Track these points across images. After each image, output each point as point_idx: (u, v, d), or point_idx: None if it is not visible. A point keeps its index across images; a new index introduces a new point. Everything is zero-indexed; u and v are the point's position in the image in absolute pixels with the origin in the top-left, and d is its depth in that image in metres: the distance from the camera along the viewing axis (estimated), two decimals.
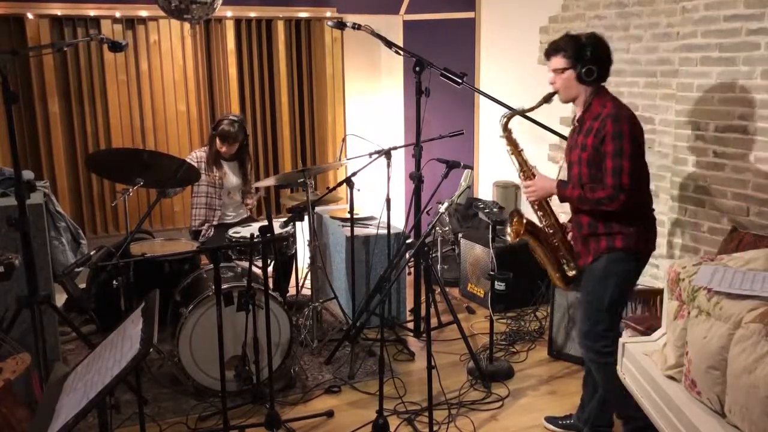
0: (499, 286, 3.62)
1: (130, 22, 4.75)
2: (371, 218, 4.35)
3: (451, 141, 3.77)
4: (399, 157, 5.31)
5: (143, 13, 4.74)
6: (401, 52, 3.68)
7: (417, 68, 3.50)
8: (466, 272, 4.70)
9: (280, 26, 5.14)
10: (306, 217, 3.78)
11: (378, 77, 5.61)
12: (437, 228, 4.77)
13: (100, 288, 3.93)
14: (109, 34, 4.61)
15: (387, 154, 3.78)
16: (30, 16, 4.47)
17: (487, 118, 5.38)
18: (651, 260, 2.80)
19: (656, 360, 2.23)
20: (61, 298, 3.90)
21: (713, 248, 3.43)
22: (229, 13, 4.95)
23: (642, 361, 2.28)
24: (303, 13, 5.21)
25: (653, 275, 3.87)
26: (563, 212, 3.03)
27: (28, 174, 3.56)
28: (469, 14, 5.44)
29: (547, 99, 2.78)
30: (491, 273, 3.66)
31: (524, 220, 2.90)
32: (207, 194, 4.30)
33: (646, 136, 3.93)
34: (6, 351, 2.68)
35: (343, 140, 5.25)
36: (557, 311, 3.73)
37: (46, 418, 1.70)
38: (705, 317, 1.93)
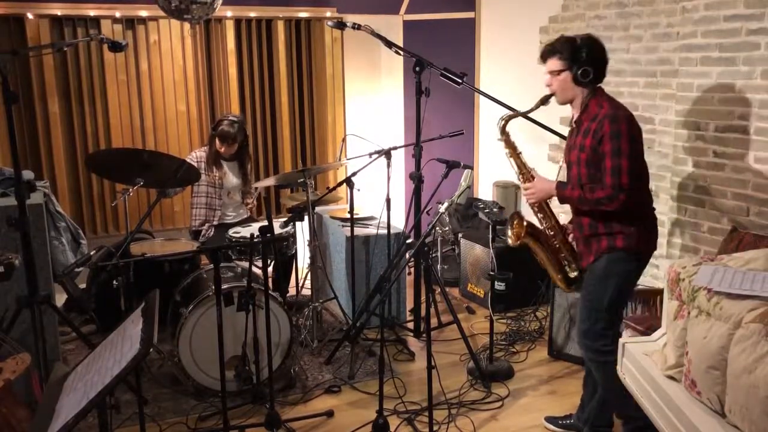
0: (499, 286, 3.62)
1: (130, 22, 4.75)
2: (371, 218, 4.35)
3: (451, 141, 3.77)
4: (399, 157, 5.31)
5: (143, 13, 4.74)
6: (401, 52, 3.68)
7: (417, 68, 3.50)
8: (466, 272, 4.70)
9: (280, 26, 5.14)
10: (306, 217, 3.78)
11: (378, 77, 5.61)
12: (437, 228, 4.77)
13: (100, 288, 3.93)
14: (109, 34, 4.61)
15: (387, 154, 3.78)
16: (30, 16, 4.47)
17: (487, 118, 5.38)
18: (651, 260, 2.80)
19: (656, 360, 2.23)
20: (61, 298, 3.90)
21: (713, 248, 3.43)
22: (229, 13, 4.95)
23: (642, 361, 2.28)
24: (303, 13, 5.21)
25: (653, 275, 3.87)
26: (563, 212, 3.03)
27: (28, 174, 3.56)
28: (469, 14, 5.44)
29: (544, 101, 2.79)
30: (491, 273, 3.66)
31: (525, 223, 2.90)
32: (207, 194, 4.30)
33: (646, 136, 3.94)
34: (6, 351, 2.68)
35: (343, 140, 5.25)
36: (557, 311, 3.73)
37: (46, 418, 1.70)
38: (705, 317, 1.93)
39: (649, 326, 3.15)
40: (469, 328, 4.20)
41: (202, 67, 5.01)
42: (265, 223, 2.99)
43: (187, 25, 4.77)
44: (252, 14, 5.05)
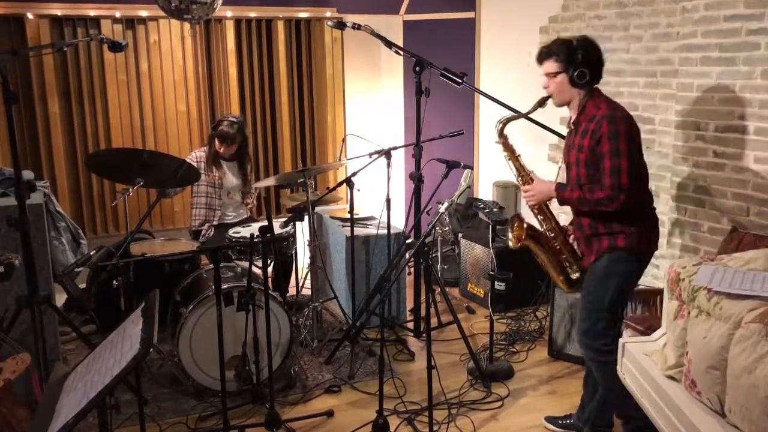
0: (499, 286, 3.62)
1: (130, 22, 4.75)
2: (371, 218, 4.35)
3: (451, 141, 3.77)
4: (399, 157, 5.31)
5: (143, 13, 4.74)
6: (401, 52, 3.68)
7: (417, 68, 3.50)
8: (466, 272, 4.70)
9: (280, 26, 5.14)
10: (306, 217, 3.78)
11: (378, 77, 5.61)
12: (437, 228, 4.77)
13: (100, 288, 3.93)
14: (109, 34, 4.61)
15: (387, 154, 3.78)
16: (30, 16, 4.47)
17: (487, 118, 5.38)
18: (651, 260, 2.79)
19: (656, 360, 2.23)
20: (61, 298, 3.90)
21: (713, 248, 3.43)
22: (229, 13, 4.95)
23: (642, 361, 2.28)
24: (303, 13, 5.21)
25: (653, 275, 3.87)
26: (563, 213, 3.03)
27: (28, 174, 3.56)
28: (469, 14, 5.44)
29: (542, 103, 2.81)
30: (491, 273, 3.66)
31: (525, 225, 2.90)
32: (207, 194, 4.30)
33: (646, 136, 3.95)
34: (6, 351, 2.68)
35: (343, 140, 5.25)
36: (557, 311, 3.73)
37: (46, 418, 1.70)
38: (705, 317, 1.93)
39: (649, 326, 3.15)
40: (469, 328, 4.20)
41: (202, 67, 5.01)
42: (265, 223, 2.99)
43: (187, 25, 4.77)
44: (252, 14, 5.05)
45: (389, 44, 3.62)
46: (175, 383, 3.39)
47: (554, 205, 2.89)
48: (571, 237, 2.93)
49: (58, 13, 4.54)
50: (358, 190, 3.84)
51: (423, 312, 3.45)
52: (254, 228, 3.51)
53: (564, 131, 3.20)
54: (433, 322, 3.90)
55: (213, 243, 4.15)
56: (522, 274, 3.87)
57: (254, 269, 2.92)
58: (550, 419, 3.12)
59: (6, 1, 4.44)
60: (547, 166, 4.65)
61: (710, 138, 3.45)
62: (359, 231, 4.09)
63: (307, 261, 4.12)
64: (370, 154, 3.82)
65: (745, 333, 1.76)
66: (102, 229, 4.95)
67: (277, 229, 3.86)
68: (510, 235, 2.99)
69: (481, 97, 4.29)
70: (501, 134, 2.92)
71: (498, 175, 5.19)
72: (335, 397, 3.38)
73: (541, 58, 2.73)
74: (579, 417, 3.02)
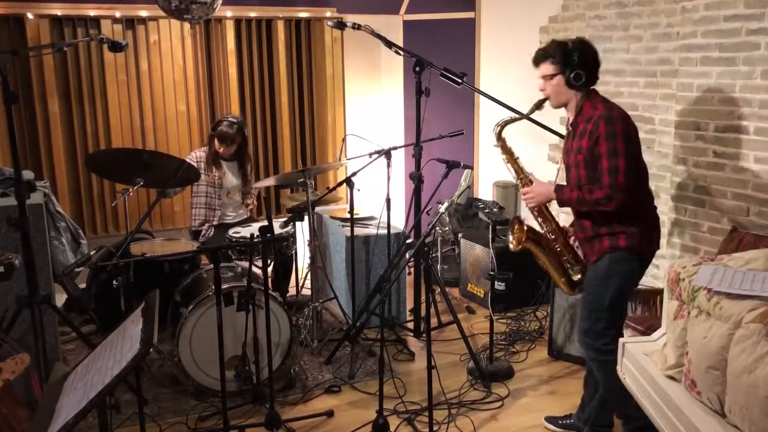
0: (499, 286, 3.62)
1: (130, 22, 4.75)
2: (371, 218, 4.35)
3: (451, 141, 3.77)
4: (399, 157, 5.31)
5: (143, 13, 4.74)
6: (401, 52, 3.68)
7: (417, 68, 3.50)
8: (466, 272, 4.70)
9: (280, 26, 5.14)
10: (306, 217, 3.78)
11: (378, 77, 5.61)
12: (437, 228, 4.77)
13: (100, 288, 3.93)
14: (109, 34, 4.61)
15: (387, 154, 3.78)
16: (30, 16, 4.47)
17: (487, 118, 5.38)
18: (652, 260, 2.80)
19: (656, 360, 2.22)
20: (61, 298, 3.90)
21: (713, 248, 3.43)
22: (229, 13, 4.95)
23: (642, 361, 2.28)
24: (303, 13, 5.21)
25: (653, 275, 3.87)
26: (563, 213, 3.03)
27: (28, 174, 3.56)
28: (469, 14, 5.44)
29: (539, 105, 2.83)
30: (491, 273, 3.66)
31: (525, 227, 2.91)
32: (207, 194, 4.30)
33: (646, 136, 3.96)
34: (6, 351, 2.68)
35: (343, 140, 5.25)
36: (557, 311, 3.73)
37: (46, 418, 1.70)
38: (705, 317, 1.93)
39: (649, 326, 3.15)
40: (469, 328, 4.20)
41: (202, 67, 5.01)
42: (265, 223, 2.99)
43: (187, 25, 4.77)
44: (252, 14, 5.05)
45: (389, 44, 3.62)
46: (175, 383, 3.39)
47: (554, 207, 2.90)
48: (572, 238, 2.93)
49: (58, 13, 4.54)
50: (358, 190, 3.84)
51: (423, 312, 3.45)
52: (254, 228, 3.51)
53: (563, 131, 3.20)
54: (433, 322, 3.90)
55: (213, 243, 4.15)
56: (522, 274, 3.87)
57: (254, 269, 2.92)
58: (550, 419, 3.12)
59: (6, 1, 4.44)
60: (547, 166, 4.65)
61: (710, 138, 3.45)
62: (359, 231, 4.09)
63: (307, 261, 4.12)
64: (370, 154, 3.82)
65: (745, 333, 1.76)
66: (102, 229, 4.95)
67: (277, 229, 3.86)
68: (510, 237, 3.00)
69: (481, 97, 4.29)
70: (499, 137, 2.93)
71: (498, 175, 5.19)
72: (335, 397, 3.38)
73: (537, 60, 2.75)
74: (579, 417, 3.02)
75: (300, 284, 4.26)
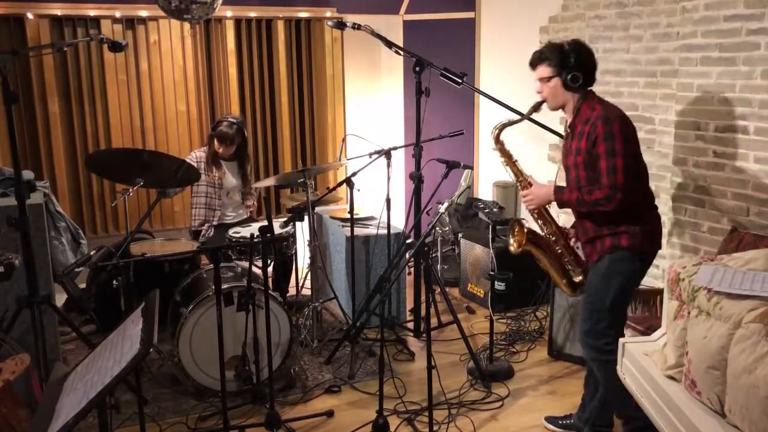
0: (499, 286, 3.62)
1: (130, 22, 4.75)
2: (371, 218, 4.35)
3: (451, 141, 3.77)
4: (399, 157, 5.31)
5: (143, 13, 4.74)
6: (401, 52, 3.68)
7: (417, 68, 3.50)
8: (466, 272, 4.70)
9: (280, 26, 5.14)
10: (306, 217, 3.78)
11: (378, 77, 5.61)
12: (437, 228, 4.77)
13: (100, 288, 3.93)
14: (109, 34, 4.61)
15: (387, 154, 3.78)
16: (30, 16, 4.47)
17: (487, 118, 5.37)
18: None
19: (656, 360, 2.23)
20: (61, 298, 3.90)
21: (713, 248, 3.43)
22: (229, 13, 4.95)
23: (642, 361, 2.28)
24: (303, 13, 5.21)
25: (653, 275, 3.87)
26: (563, 213, 3.03)
27: (28, 174, 3.56)
28: (469, 14, 5.44)
29: (536, 108, 2.84)
30: (491, 273, 3.66)
31: (525, 230, 2.91)
32: (206, 194, 4.30)
33: (646, 136, 3.96)
34: (6, 351, 2.68)
35: (343, 140, 5.25)
36: (557, 311, 3.73)
37: (46, 418, 1.70)
38: (705, 317, 1.93)
39: (649, 326, 3.15)
40: (469, 328, 4.20)
41: (202, 67, 5.01)
42: (265, 223, 2.99)
43: (187, 25, 4.77)
44: (252, 14, 5.05)
45: (389, 44, 3.62)
46: (175, 383, 3.39)
47: (554, 208, 2.90)
48: (572, 240, 2.93)
49: (58, 13, 4.54)
50: (358, 190, 3.84)
51: (423, 312, 3.45)
52: (254, 228, 3.51)
53: (563, 131, 3.21)
54: (433, 322, 3.90)
55: (213, 243, 4.15)
56: (522, 274, 3.87)
57: (254, 269, 2.92)
58: (550, 419, 3.12)
59: (6, 1, 4.44)
60: (547, 166, 4.65)
61: (710, 138, 3.45)
62: (359, 231, 4.09)
63: (307, 261, 4.12)
64: (370, 154, 3.82)
65: (745, 333, 1.76)
66: (102, 229, 4.95)
67: (277, 229, 3.86)
68: (511, 240, 3.00)
69: (481, 97, 4.29)
70: (497, 140, 2.95)
71: (498, 175, 5.18)
72: (335, 397, 3.38)
73: (534, 63, 2.76)
74: (579, 417, 3.02)
75: (300, 284, 4.26)
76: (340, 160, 4.79)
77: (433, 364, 2.85)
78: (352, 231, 3.93)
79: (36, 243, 2.92)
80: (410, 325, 4.07)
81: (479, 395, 3.38)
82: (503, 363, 3.66)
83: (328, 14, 5.25)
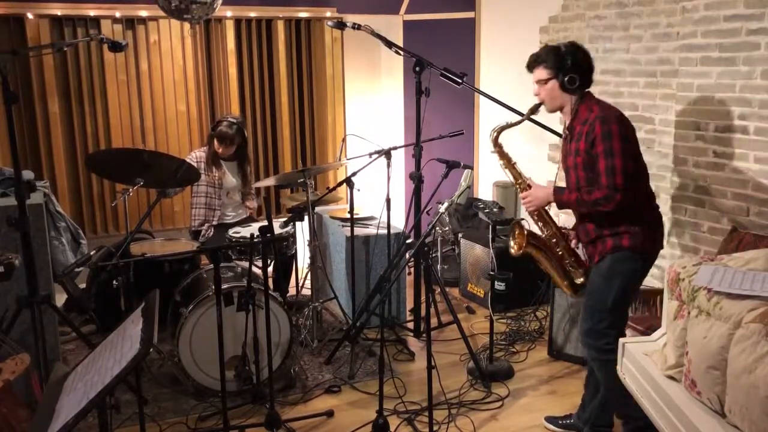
0: (499, 286, 3.62)
1: (130, 22, 4.75)
2: (371, 218, 4.35)
3: (451, 141, 3.77)
4: (399, 157, 5.31)
5: (143, 13, 4.74)
6: (401, 52, 3.68)
7: (417, 68, 3.50)
8: (466, 272, 4.70)
9: (280, 26, 5.14)
10: (306, 217, 3.78)
11: (378, 77, 5.61)
12: (437, 228, 4.77)
13: (100, 288, 3.93)
14: (109, 34, 4.61)
15: (387, 154, 3.78)
16: (30, 16, 4.47)
17: (487, 118, 5.37)
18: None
19: (656, 360, 2.23)
20: (61, 298, 3.90)
21: (713, 248, 3.43)
22: (229, 13, 4.95)
23: (642, 361, 2.28)
24: (303, 13, 5.21)
25: (653, 275, 3.87)
26: (563, 214, 3.03)
27: (28, 174, 3.56)
28: (469, 14, 5.44)
29: (534, 110, 2.85)
30: (491, 273, 3.66)
31: (526, 232, 2.91)
32: (206, 194, 4.30)
33: (646, 136, 3.96)
34: (6, 351, 2.68)
35: (343, 140, 5.25)
36: (557, 311, 3.73)
37: (46, 418, 1.70)
38: (705, 317, 1.93)
39: (649, 326, 3.15)
40: (469, 328, 4.20)
41: (202, 67, 5.01)
42: (265, 223, 2.99)
43: (187, 25, 4.77)
44: (252, 14, 5.05)
45: (389, 44, 3.62)
46: (175, 383, 3.39)
47: (553, 209, 2.90)
48: (573, 242, 2.93)
49: (58, 13, 4.54)
50: (358, 190, 3.84)
51: (423, 312, 3.45)
52: (254, 228, 3.51)
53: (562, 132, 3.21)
54: (433, 322, 3.90)
55: (213, 243, 4.15)
56: (522, 274, 3.87)
57: (254, 269, 2.92)
58: (550, 419, 3.12)
59: (6, 1, 4.44)
60: (547, 166, 4.64)
61: (710, 138, 3.45)
62: (359, 231, 4.09)
63: (307, 261, 4.12)
64: (370, 154, 3.82)
65: (745, 333, 1.76)
66: (102, 229, 4.95)
67: (277, 229, 3.86)
68: (512, 242, 3.00)
69: (481, 97, 4.29)
70: (496, 143, 2.95)
71: (498, 175, 5.18)
72: (335, 397, 3.38)
73: (531, 65, 2.77)
74: (579, 417, 3.02)
75: (300, 284, 4.26)
76: (340, 160, 4.79)
77: (433, 364, 2.85)
78: (352, 231, 3.93)
79: (36, 243, 2.92)
80: (410, 325, 4.07)
81: (479, 395, 3.38)
82: (503, 363, 3.66)
83: (328, 14, 5.25)
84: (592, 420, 2.93)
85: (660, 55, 3.83)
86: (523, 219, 3.10)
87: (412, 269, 4.28)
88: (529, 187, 2.88)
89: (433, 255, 4.87)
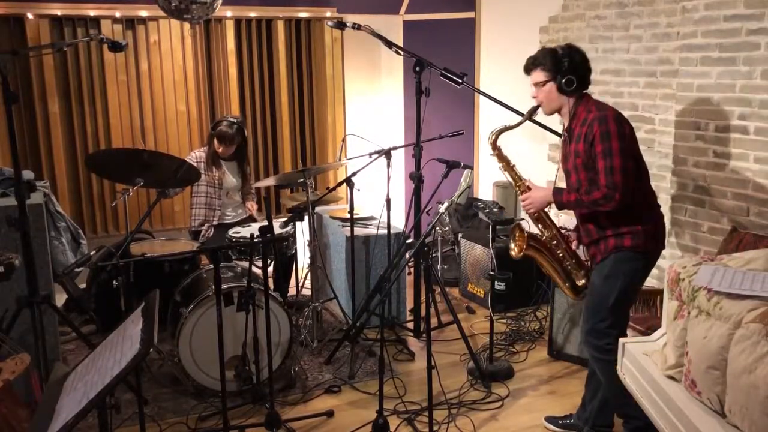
0: (499, 286, 3.62)
1: (130, 22, 4.75)
2: (371, 218, 4.35)
3: (451, 141, 3.77)
4: (399, 157, 5.31)
5: (143, 13, 4.74)
6: (401, 52, 3.68)
7: (417, 68, 3.50)
8: (466, 272, 4.70)
9: (280, 26, 5.14)
10: (306, 217, 3.78)
11: (378, 77, 5.61)
12: (437, 228, 4.77)
13: (100, 288, 3.93)
14: (109, 34, 4.61)
15: (387, 154, 3.78)
16: (30, 16, 4.47)
17: (487, 118, 5.38)
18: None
19: (656, 360, 2.23)
20: (61, 298, 3.90)
21: (713, 248, 3.43)
22: (229, 13, 4.95)
23: (642, 361, 2.28)
24: (303, 13, 5.21)
25: (653, 275, 3.86)
26: (563, 214, 3.03)
27: (28, 174, 3.56)
28: (469, 14, 5.44)
29: (532, 113, 2.85)
30: (491, 273, 3.66)
31: (526, 235, 2.91)
32: (206, 194, 4.30)
33: (646, 136, 3.96)
34: (6, 351, 2.68)
35: (343, 140, 5.25)
36: (557, 311, 3.73)
37: (46, 418, 1.70)
38: (705, 317, 1.93)
39: (649, 326, 3.15)
40: (469, 328, 4.20)
41: (202, 67, 5.01)
42: (265, 223, 2.99)
43: (187, 25, 4.77)
44: (252, 14, 5.05)
45: (389, 44, 3.62)
46: (175, 383, 3.39)
47: (552, 210, 2.90)
48: (574, 243, 2.93)
49: (58, 13, 4.54)
50: (358, 190, 3.84)
51: (423, 312, 3.45)
52: (254, 228, 3.51)
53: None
54: (433, 322, 3.90)
55: (213, 243, 4.15)
56: (522, 274, 3.88)
57: (254, 269, 2.92)
58: (550, 419, 3.12)
59: (6, 1, 4.44)
60: (548, 166, 4.64)
61: (710, 138, 3.45)
62: (359, 231, 4.09)
63: (307, 261, 4.12)
64: (370, 154, 3.82)
65: (745, 333, 1.76)
66: (102, 229, 4.95)
67: (277, 229, 3.86)
68: (512, 245, 3.00)
69: (481, 97, 4.29)
70: (494, 146, 2.96)
71: (498, 175, 5.17)
72: (335, 397, 3.38)
73: (528, 68, 2.78)
74: (580, 416, 3.02)
75: (300, 284, 4.26)
76: (340, 160, 4.79)
77: (433, 364, 2.85)
78: (352, 231, 3.93)
79: (36, 243, 2.92)
80: (410, 325, 4.07)
81: (479, 395, 3.38)
82: (503, 363, 3.66)
83: (328, 14, 5.25)
84: (593, 419, 2.93)
85: (660, 55, 3.83)
86: (522, 219, 3.10)
87: (412, 269, 4.28)
88: (529, 189, 2.88)
89: (433, 255, 4.87)
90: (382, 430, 2.93)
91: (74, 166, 4.82)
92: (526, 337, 4.03)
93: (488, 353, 3.63)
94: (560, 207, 2.77)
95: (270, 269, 3.79)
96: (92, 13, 4.62)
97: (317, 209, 4.36)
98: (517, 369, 3.65)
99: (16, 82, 4.48)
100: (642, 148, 2.75)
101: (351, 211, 3.85)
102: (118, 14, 4.68)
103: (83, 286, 4.12)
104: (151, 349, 1.77)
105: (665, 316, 2.25)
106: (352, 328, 3.81)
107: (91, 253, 3.95)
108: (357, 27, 3.61)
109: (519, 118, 2.93)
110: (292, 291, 4.35)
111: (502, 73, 5.18)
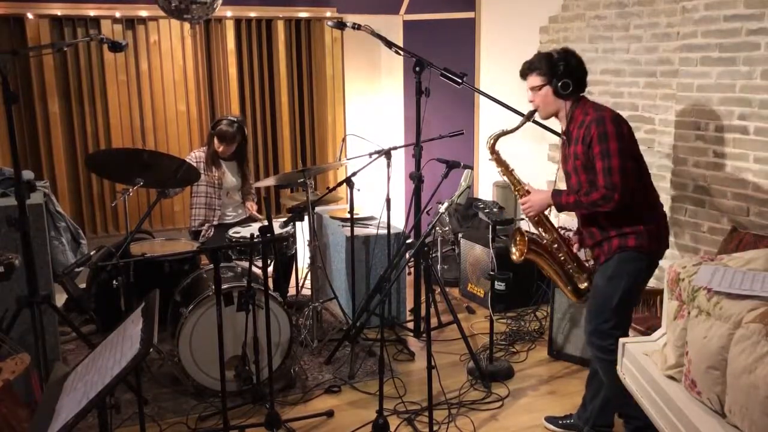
0: (499, 286, 3.62)
1: (130, 22, 4.75)
2: (371, 218, 4.35)
3: (451, 141, 3.77)
4: (399, 157, 5.31)
5: (143, 13, 4.74)
6: (401, 52, 3.68)
7: (417, 68, 3.50)
8: (466, 272, 4.70)
9: (280, 26, 5.14)
10: (306, 217, 3.78)
11: (378, 77, 5.61)
12: (437, 228, 4.77)
13: (100, 288, 3.93)
14: (109, 34, 4.61)
15: (387, 154, 3.78)
16: (30, 16, 4.47)
17: (487, 118, 5.38)
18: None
19: (656, 360, 2.23)
20: (61, 298, 3.90)
21: (713, 248, 3.43)
22: (229, 13, 4.95)
23: (642, 361, 2.28)
24: (303, 13, 5.21)
25: (653, 275, 3.86)
26: (564, 215, 3.02)
27: (28, 174, 3.56)
28: (469, 14, 5.44)
29: (529, 117, 2.86)
30: (491, 273, 3.66)
31: (527, 238, 2.90)
32: (206, 194, 4.30)
33: (646, 136, 3.96)
34: (6, 351, 2.68)
35: (343, 140, 5.25)
36: (557, 311, 3.73)
37: (46, 418, 1.70)
38: (705, 317, 1.93)
39: (649, 326, 3.15)
40: (469, 328, 4.20)
41: (202, 67, 5.01)
42: (265, 223, 2.98)
43: (187, 25, 4.77)
44: (252, 14, 5.05)
45: (389, 44, 3.61)
46: (175, 383, 3.39)
47: (552, 211, 2.90)
48: (575, 246, 2.93)
49: (58, 13, 4.54)
50: (358, 190, 3.84)
51: (423, 312, 3.45)
52: (254, 228, 3.51)
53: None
54: (433, 322, 3.90)
55: (213, 243, 4.15)
56: (522, 274, 3.87)
57: (254, 269, 2.92)
58: (550, 419, 3.12)
59: (6, 1, 4.44)
60: (547, 166, 4.64)
61: (710, 138, 3.45)
62: (359, 231, 4.09)
63: (307, 261, 4.12)
64: (370, 154, 3.82)
65: (745, 333, 1.76)
66: (102, 229, 4.95)
67: (277, 229, 3.86)
68: (513, 249, 3.00)
69: (481, 97, 4.29)
70: (493, 150, 2.96)
71: (498, 175, 5.17)
72: (335, 397, 3.38)
73: (524, 73, 2.79)
74: (580, 416, 3.02)
75: (300, 284, 4.26)
76: (340, 160, 4.79)
77: (433, 364, 2.85)
78: (352, 231, 3.93)
79: (36, 243, 2.92)
80: (410, 325, 4.07)
81: (479, 395, 3.38)
82: (503, 363, 3.66)
83: (328, 14, 5.25)
84: (594, 419, 2.93)
85: (660, 55, 3.83)
86: (522, 219, 3.10)
87: (412, 269, 4.28)
88: (528, 192, 2.89)
89: (433, 255, 4.87)
90: (382, 430, 2.93)
91: (74, 166, 4.82)
92: (526, 337, 4.03)
93: (488, 353, 3.63)
94: (560, 209, 2.77)
95: (270, 269, 3.79)
96: (92, 13, 4.62)
97: (317, 209, 4.36)
98: (517, 369, 3.65)
99: (16, 82, 4.48)
100: (642, 148, 2.75)
101: (351, 211, 3.85)
102: (118, 14, 4.68)
103: (83, 286, 4.12)
104: (151, 349, 1.77)
105: (665, 316, 2.25)
106: (352, 328, 3.81)
107: (91, 253, 3.95)
108: (357, 27, 3.61)
109: (517, 122, 2.92)
110: (292, 291, 4.35)
111: (502, 73, 5.17)
